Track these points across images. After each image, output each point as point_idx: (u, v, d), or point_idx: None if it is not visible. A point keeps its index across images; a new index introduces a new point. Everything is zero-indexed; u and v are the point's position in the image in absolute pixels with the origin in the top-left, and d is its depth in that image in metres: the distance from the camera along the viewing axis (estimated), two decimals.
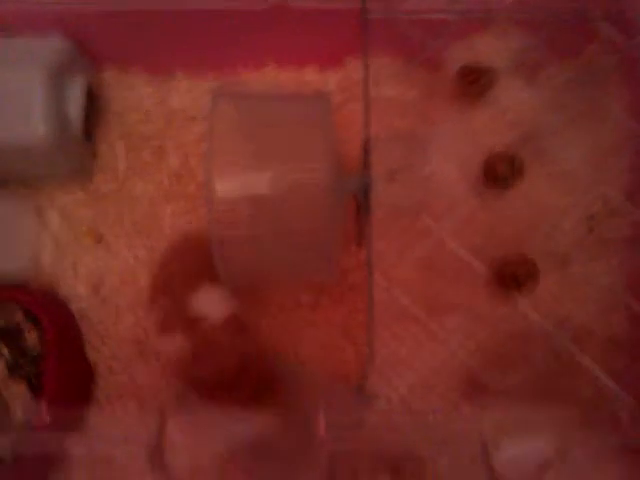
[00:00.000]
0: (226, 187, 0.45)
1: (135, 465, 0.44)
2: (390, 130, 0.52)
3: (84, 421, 0.49)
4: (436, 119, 0.53)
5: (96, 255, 0.56)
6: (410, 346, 0.47)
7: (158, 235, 0.57)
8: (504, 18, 0.52)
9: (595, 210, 0.50)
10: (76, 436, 0.43)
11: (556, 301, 0.48)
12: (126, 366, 0.54)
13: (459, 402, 0.46)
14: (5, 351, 0.49)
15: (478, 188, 0.50)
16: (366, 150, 0.48)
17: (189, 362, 0.46)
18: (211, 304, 0.48)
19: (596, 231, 0.50)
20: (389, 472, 0.42)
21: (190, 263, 0.50)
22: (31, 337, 0.49)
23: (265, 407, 0.43)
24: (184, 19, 0.55)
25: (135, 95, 0.61)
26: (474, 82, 0.51)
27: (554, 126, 0.50)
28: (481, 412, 0.37)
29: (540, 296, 0.48)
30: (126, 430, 0.41)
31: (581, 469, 0.37)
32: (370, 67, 0.53)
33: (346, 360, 0.51)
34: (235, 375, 0.45)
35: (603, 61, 0.51)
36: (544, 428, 0.37)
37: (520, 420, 0.37)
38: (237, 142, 0.46)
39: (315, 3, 0.53)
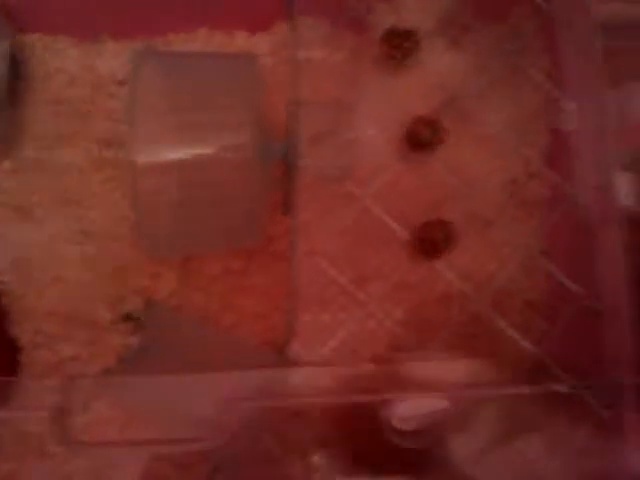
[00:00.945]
0: (149, 155, 0.44)
1: None
2: (317, 94, 0.51)
3: (8, 398, 0.48)
4: (362, 82, 0.52)
5: (22, 227, 0.55)
6: (334, 313, 0.47)
7: (87, 205, 0.55)
8: None
9: (516, 173, 0.51)
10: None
11: (476, 264, 0.49)
12: (50, 341, 0.52)
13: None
14: None
15: (402, 153, 0.50)
16: (292, 115, 0.47)
17: None
18: None
19: (516, 195, 0.50)
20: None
21: None
22: None
23: None
24: None
25: (61, 59, 0.59)
26: (398, 46, 0.50)
27: (477, 90, 0.49)
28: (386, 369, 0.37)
29: (461, 260, 0.48)
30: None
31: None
32: (298, 30, 0.52)
33: (273, 327, 0.51)
34: None
35: (527, 26, 0.51)
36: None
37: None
38: (160, 107, 0.45)
39: None
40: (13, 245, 0.54)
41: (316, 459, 0.40)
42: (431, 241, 0.46)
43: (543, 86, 0.47)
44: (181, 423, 0.39)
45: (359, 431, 0.39)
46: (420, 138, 0.48)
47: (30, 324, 0.53)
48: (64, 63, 0.59)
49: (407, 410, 0.35)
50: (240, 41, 0.58)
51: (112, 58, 0.59)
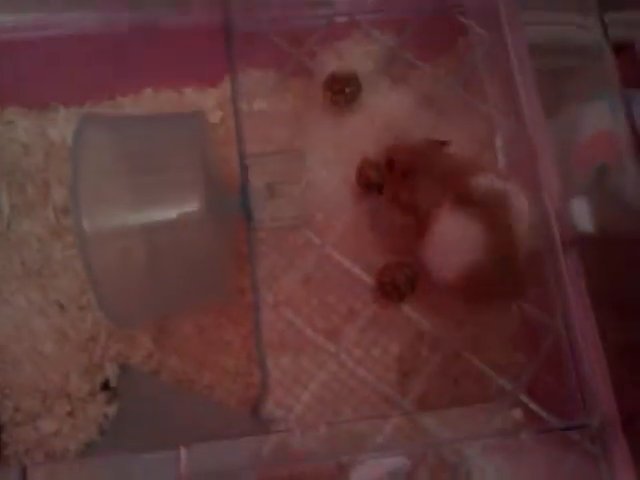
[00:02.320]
0: (96, 225, 0.43)
1: None
2: (268, 144, 0.51)
3: None
4: (311, 129, 0.52)
5: None
6: (305, 366, 0.47)
7: (50, 274, 0.55)
8: (367, 21, 0.51)
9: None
10: None
11: (444, 302, 0.48)
12: (31, 417, 0.51)
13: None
14: None
15: (356, 196, 0.50)
16: (243, 168, 0.47)
17: None
18: None
19: None
20: None
21: None
22: None
23: None
24: (55, 47, 0.53)
25: (13, 130, 0.59)
26: (340, 91, 0.51)
27: (427, 124, 0.50)
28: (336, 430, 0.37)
29: (427, 299, 0.48)
30: None
31: None
32: (244, 81, 0.53)
33: (251, 384, 0.50)
34: None
35: (471, 56, 0.51)
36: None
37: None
38: (105, 173, 0.44)
39: (180, 21, 0.52)
40: None
41: None
42: (393, 285, 0.46)
43: (491, 115, 0.47)
44: None
45: None
46: (370, 180, 0.48)
47: (9, 401, 0.52)
48: (16, 133, 0.59)
49: (365, 475, 0.35)
50: (189, 97, 0.58)
51: (63, 124, 0.59)
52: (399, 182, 0.47)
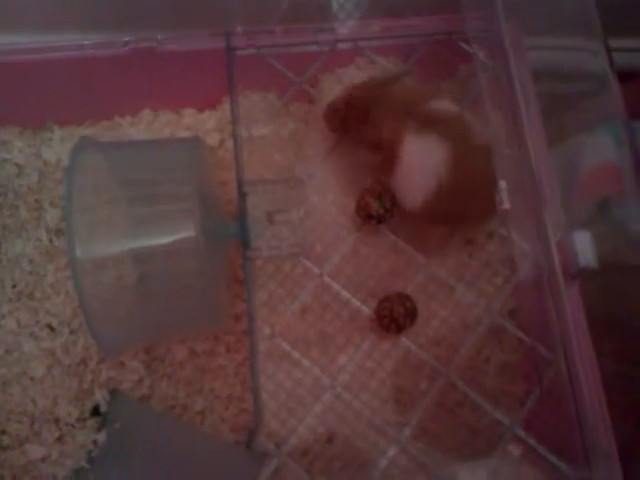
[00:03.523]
0: (89, 252, 0.42)
1: None
2: (267, 170, 0.50)
3: None
4: (311, 155, 0.51)
5: None
6: (301, 398, 0.46)
7: (42, 297, 0.54)
8: (370, 48, 0.51)
9: (473, 234, 0.50)
10: None
11: (444, 331, 0.48)
12: (17, 441, 0.50)
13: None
14: None
15: (356, 224, 0.50)
16: (241, 194, 0.46)
17: None
18: None
19: (475, 255, 0.50)
20: None
21: None
22: None
23: None
24: (52, 69, 0.52)
25: (7, 150, 0.58)
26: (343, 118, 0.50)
27: None
28: None
29: (428, 329, 0.47)
30: None
31: None
32: (245, 105, 0.52)
33: (244, 410, 0.49)
34: None
35: (474, 81, 0.51)
36: None
37: None
38: (101, 199, 0.44)
39: (179, 43, 0.51)
40: None
41: None
42: (392, 318, 0.45)
43: (497, 143, 0.47)
44: None
45: None
46: (370, 211, 0.48)
47: None
48: (11, 154, 0.58)
49: None
50: (188, 119, 0.58)
51: (59, 145, 0.58)
52: (362, 121, 0.48)
